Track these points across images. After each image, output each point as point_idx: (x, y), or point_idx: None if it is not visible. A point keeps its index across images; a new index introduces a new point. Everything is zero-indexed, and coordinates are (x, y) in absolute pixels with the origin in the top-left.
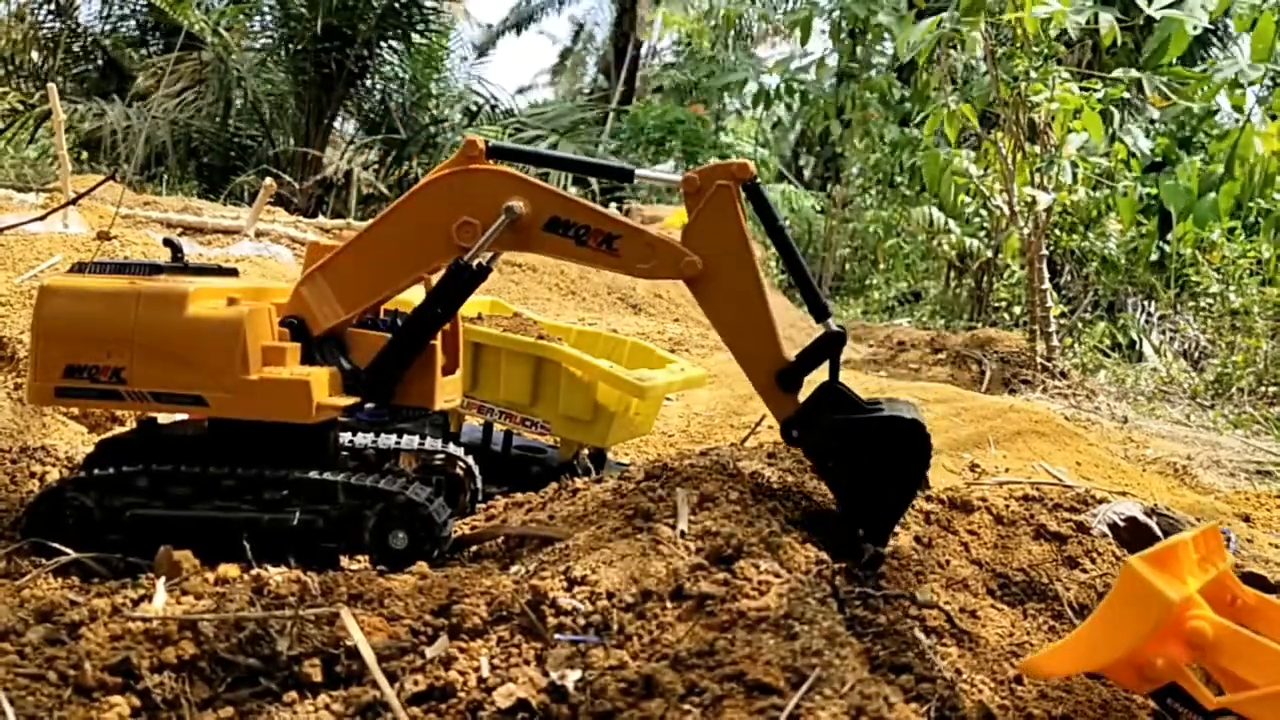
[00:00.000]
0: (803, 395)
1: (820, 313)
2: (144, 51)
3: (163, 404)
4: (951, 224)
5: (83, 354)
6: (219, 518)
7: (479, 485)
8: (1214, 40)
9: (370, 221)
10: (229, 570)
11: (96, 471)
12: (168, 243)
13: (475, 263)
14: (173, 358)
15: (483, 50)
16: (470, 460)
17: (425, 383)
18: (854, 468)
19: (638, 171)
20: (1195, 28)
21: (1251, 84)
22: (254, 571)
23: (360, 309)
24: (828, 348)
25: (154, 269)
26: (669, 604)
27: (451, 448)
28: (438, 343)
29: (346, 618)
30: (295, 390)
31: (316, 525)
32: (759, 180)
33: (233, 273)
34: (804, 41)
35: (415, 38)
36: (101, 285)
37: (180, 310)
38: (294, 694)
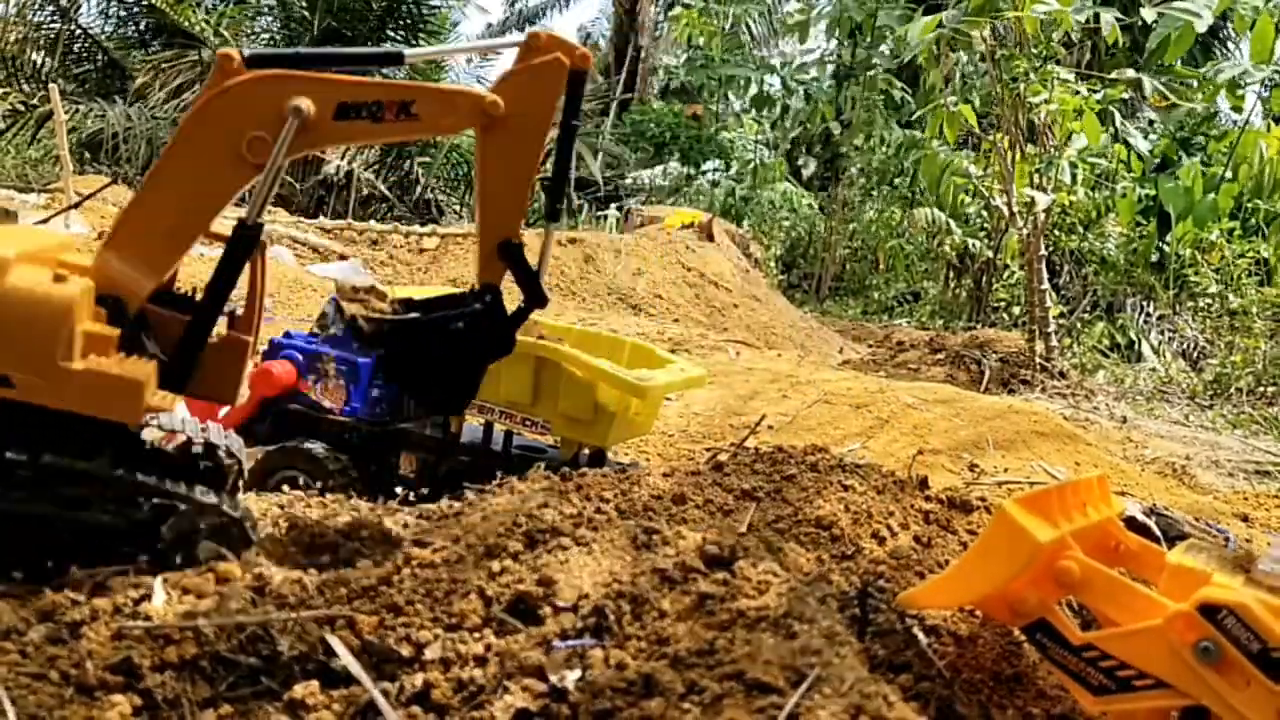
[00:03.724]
0: None
1: (552, 214)
2: (145, 52)
3: None
4: (952, 224)
5: None
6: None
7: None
8: (1214, 41)
9: (149, 171)
10: (231, 569)
11: None
12: None
13: (253, 221)
14: None
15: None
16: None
17: (232, 375)
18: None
19: (407, 53)
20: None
21: (1251, 84)
22: (256, 570)
23: (170, 268)
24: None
25: None
26: (668, 603)
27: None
28: (252, 336)
29: (332, 640)
30: (125, 389)
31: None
32: (587, 76)
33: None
34: (802, 41)
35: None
36: None
37: None
38: (294, 693)
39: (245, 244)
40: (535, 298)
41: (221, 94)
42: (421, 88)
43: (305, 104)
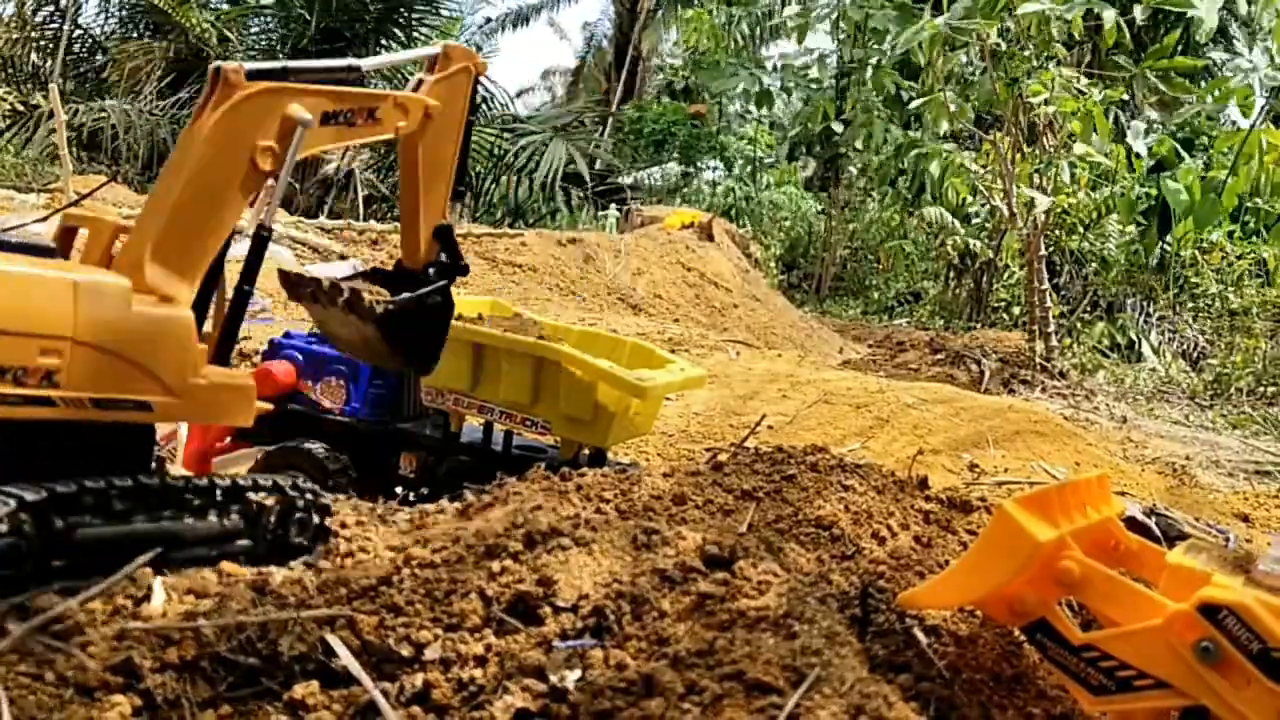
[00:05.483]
0: None
1: (456, 195)
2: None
3: (102, 410)
4: (956, 224)
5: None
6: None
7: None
8: (1216, 39)
9: (160, 189)
10: (233, 568)
11: None
12: None
13: (269, 223)
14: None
15: (479, 46)
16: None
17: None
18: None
19: (363, 64)
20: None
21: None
22: (256, 570)
23: (200, 277)
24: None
25: None
26: (668, 603)
27: None
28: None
29: (332, 640)
30: (243, 395)
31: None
32: (483, 79)
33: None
34: (800, 41)
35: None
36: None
37: (125, 306)
38: (294, 693)
39: (263, 245)
40: (463, 268)
41: (234, 108)
42: (383, 95)
43: (307, 113)
